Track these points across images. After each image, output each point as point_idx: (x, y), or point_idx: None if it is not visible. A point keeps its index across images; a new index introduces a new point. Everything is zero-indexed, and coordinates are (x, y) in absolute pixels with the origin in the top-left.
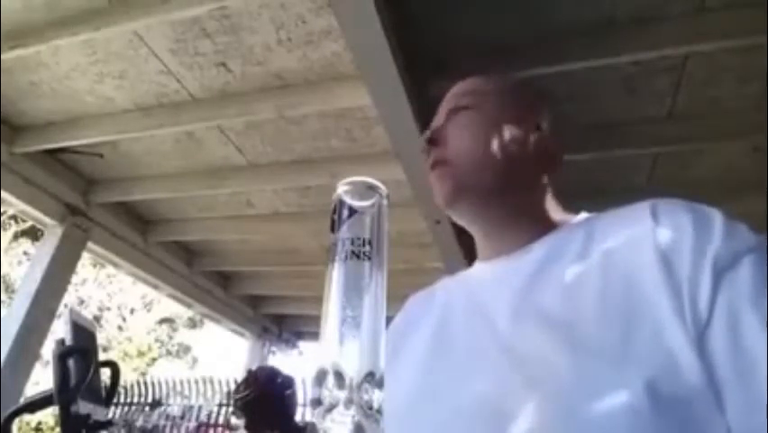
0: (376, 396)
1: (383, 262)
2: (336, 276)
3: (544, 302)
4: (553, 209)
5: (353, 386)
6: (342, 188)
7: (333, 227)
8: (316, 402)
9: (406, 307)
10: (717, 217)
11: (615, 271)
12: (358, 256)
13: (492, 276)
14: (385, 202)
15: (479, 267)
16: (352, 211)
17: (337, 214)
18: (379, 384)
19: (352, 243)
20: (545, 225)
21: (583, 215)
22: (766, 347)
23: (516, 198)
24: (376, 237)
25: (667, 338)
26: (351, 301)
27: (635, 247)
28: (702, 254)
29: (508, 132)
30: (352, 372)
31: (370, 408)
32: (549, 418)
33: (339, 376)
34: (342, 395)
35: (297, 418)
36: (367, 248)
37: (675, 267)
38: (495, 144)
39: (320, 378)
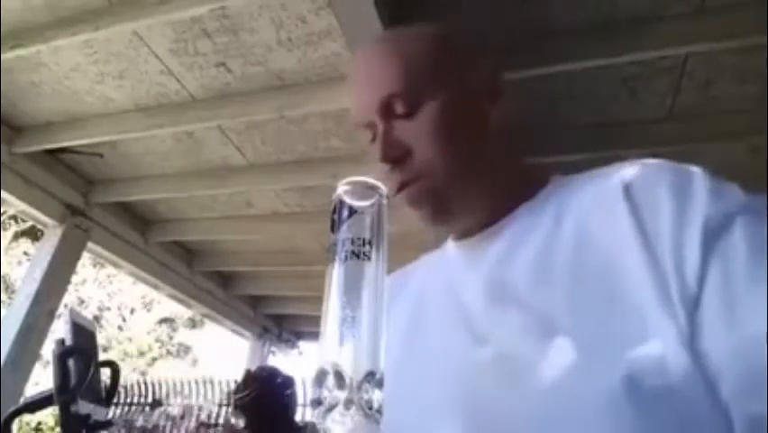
0: (376, 396)
1: (383, 262)
2: (336, 276)
3: (516, 290)
4: (519, 177)
5: (353, 386)
6: (342, 188)
7: (333, 227)
8: (316, 402)
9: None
10: (699, 176)
11: (589, 254)
12: (358, 256)
13: (464, 260)
14: (385, 202)
15: (452, 248)
16: (352, 211)
17: (337, 214)
18: (379, 384)
19: (352, 243)
20: (516, 197)
21: (555, 178)
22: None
23: (488, 178)
24: (376, 237)
25: (650, 324)
26: (350, 301)
27: (609, 223)
28: (686, 220)
29: (472, 113)
30: (352, 372)
31: (370, 408)
32: (524, 414)
33: (339, 376)
34: (342, 395)
35: (297, 418)
36: (367, 248)
37: (654, 239)
38: (462, 134)
39: (320, 378)
